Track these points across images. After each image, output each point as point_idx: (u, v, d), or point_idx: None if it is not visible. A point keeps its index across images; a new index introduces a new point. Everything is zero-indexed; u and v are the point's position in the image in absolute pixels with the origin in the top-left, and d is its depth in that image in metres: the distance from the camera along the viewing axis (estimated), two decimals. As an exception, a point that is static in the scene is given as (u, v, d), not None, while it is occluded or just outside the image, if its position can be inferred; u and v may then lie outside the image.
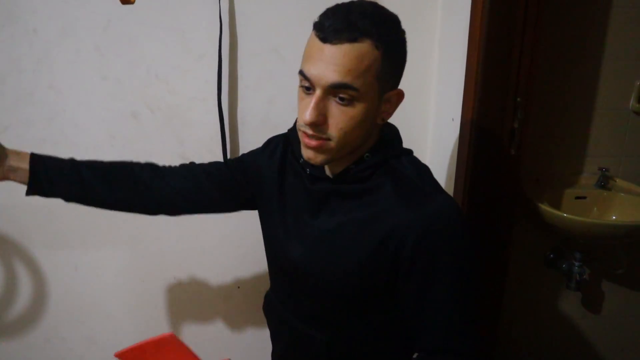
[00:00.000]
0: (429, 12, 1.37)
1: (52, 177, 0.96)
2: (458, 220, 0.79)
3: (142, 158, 1.43)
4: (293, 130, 0.96)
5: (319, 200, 0.87)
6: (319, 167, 0.87)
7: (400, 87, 0.87)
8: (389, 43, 0.76)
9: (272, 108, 1.42)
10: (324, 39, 0.73)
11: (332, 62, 0.72)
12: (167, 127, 1.41)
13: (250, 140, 1.44)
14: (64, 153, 1.40)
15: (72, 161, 0.99)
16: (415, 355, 0.85)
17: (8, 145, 1.39)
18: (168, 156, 1.43)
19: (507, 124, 1.19)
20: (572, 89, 1.54)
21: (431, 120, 1.46)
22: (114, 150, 1.42)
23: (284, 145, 1.01)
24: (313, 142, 0.77)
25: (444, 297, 0.79)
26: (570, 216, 1.37)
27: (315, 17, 0.79)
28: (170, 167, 1.08)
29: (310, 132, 0.77)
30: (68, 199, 1.00)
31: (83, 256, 1.52)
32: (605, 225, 1.46)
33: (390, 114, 0.84)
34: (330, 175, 0.87)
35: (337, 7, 0.76)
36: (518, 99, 1.18)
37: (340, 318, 0.89)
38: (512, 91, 1.17)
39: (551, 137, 1.56)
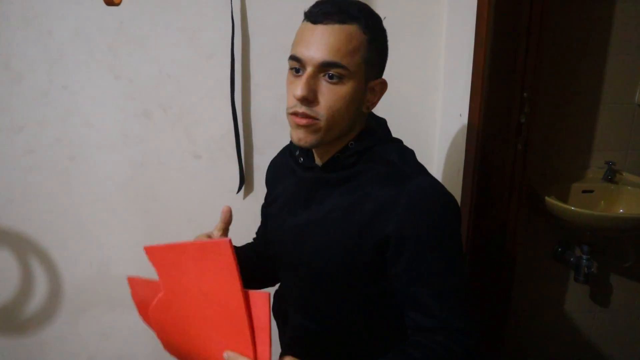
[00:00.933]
0: (435, 12, 1.39)
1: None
2: (438, 197, 0.81)
3: (154, 156, 1.47)
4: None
5: (309, 189, 0.90)
6: (310, 156, 0.91)
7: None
8: (374, 31, 0.81)
9: (283, 105, 1.42)
10: (315, 21, 0.78)
11: (323, 41, 0.77)
12: (179, 126, 1.44)
13: (262, 137, 1.46)
14: (78, 152, 1.45)
15: (251, 253, 1.08)
16: (410, 337, 0.84)
17: (24, 145, 1.43)
18: (180, 154, 1.46)
19: (514, 119, 1.21)
20: (577, 83, 1.56)
21: (439, 116, 1.48)
22: (126, 149, 1.45)
23: (285, 151, 1.05)
24: (303, 121, 0.79)
25: (432, 275, 0.79)
26: (578, 209, 1.39)
27: None
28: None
29: (300, 109, 0.79)
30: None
31: (97, 253, 1.55)
32: (613, 218, 1.47)
33: (374, 104, 0.87)
34: (319, 164, 0.89)
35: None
36: (525, 94, 1.20)
37: (331, 307, 0.90)
38: (518, 86, 1.19)
39: (558, 131, 1.57)
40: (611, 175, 1.58)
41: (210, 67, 1.39)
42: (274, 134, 1.46)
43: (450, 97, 1.40)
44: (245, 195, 1.52)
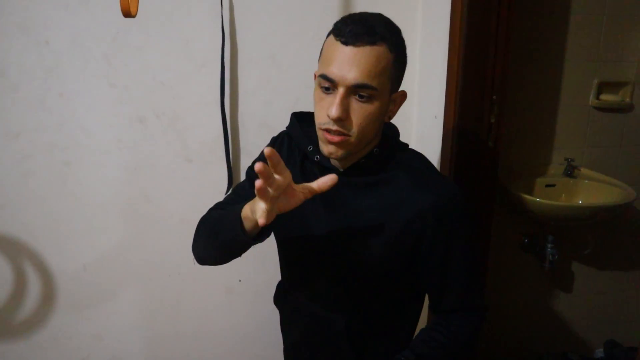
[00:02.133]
0: (410, 25, 1.50)
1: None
2: (463, 198, 0.93)
3: (148, 160, 1.53)
4: (291, 127, 1.04)
5: (330, 190, 0.92)
6: (327, 157, 0.94)
7: None
8: (399, 48, 0.86)
9: (270, 110, 1.53)
10: (346, 42, 0.81)
11: (355, 62, 0.80)
12: (172, 131, 1.50)
13: (250, 140, 1.54)
14: (73, 157, 1.50)
15: None
16: (433, 318, 0.99)
17: (20, 150, 1.47)
18: (172, 158, 1.52)
19: (485, 120, 1.34)
20: (539, 88, 1.71)
21: (414, 118, 1.60)
22: (121, 154, 1.50)
23: (288, 140, 1.07)
24: (336, 138, 0.84)
25: (460, 263, 0.94)
26: (543, 200, 1.54)
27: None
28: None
29: (334, 127, 0.84)
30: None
31: (91, 256, 1.58)
32: (574, 207, 1.63)
33: (394, 113, 0.94)
34: (340, 169, 0.94)
35: (352, 16, 0.86)
36: (494, 97, 1.33)
37: (360, 298, 0.99)
38: (488, 90, 1.32)
39: (522, 131, 1.72)
40: (570, 171, 1.74)
41: (201, 75, 1.46)
42: (261, 138, 1.54)
43: (425, 101, 1.52)
44: (234, 195, 1.59)
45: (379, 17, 0.87)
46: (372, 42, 0.81)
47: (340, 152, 0.87)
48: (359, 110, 0.84)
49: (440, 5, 1.35)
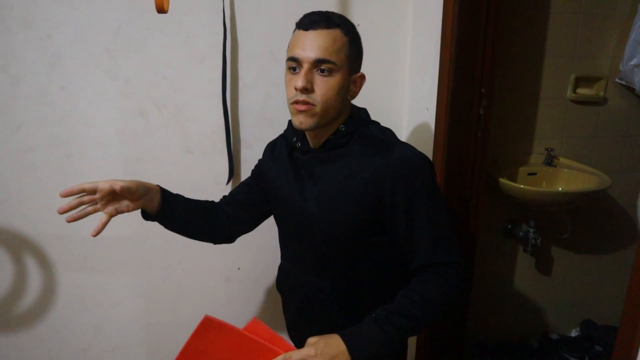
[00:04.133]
0: (401, 26, 1.59)
1: (168, 215, 1.16)
2: (419, 159, 1.01)
3: (149, 152, 1.56)
4: (286, 129, 1.18)
5: (308, 168, 1.08)
6: (306, 142, 1.10)
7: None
8: (352, 35, 1.02)
9: (268, 104, 1.58)
10: (306, 28, 0.98)
11: (314, 43, 0.96)
12: (173, 123, 1.54)
13: (249, 132, 1.59)
14: (74, 150, 1.52)
15: (182, 203, 1.21)
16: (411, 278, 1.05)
17: (21, 144, 1.48)
18: (174, 150, 1.56)
19: (474, 111, 1.42)
20: (521, 82, 1.81)
21: (405, 110, 1.68)
22: (122, 147, 1.53)
23: (282, 139, 1.22)
24: (303, 107, 0.98)
25: (422, 220, 1.00)
26: (526, 187, 1.64)
27: None
28: (221, 203, 1.30)
29: (301, 98, 0.97)
30: (168, 228, 1.21)
31: (92, 248, 1.61)
32: (554, 193, 1.74)
33: (356, 93, 1.07)
34: (315, 147, 1.08)
35: (312, 12, 1.02)
36: (483, 90, 1.41)
37: (341, 263, 1.08)
38: (478, 83, 1.40)
39: (506, 123, 1.81)
40: (550, 160, 1.85)
41: (202, 68, 1.50)
42: (260, 130, 1.59)
43: (417, 94, 1.59)
44: (233, 186, 1.64)
45: (335, 13, 1.03)
46: (327, 27, 0.97)
47: (308, 122, 1.00)
48: (321, 83, 0.98)
49: (432, 4, 1.43)
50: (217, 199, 1.62)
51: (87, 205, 1.05)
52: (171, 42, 1.47)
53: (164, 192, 1.15)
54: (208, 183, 1.61)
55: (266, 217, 1.29)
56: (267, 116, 1.59)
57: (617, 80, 1.87)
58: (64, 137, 1.49)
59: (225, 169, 1.59)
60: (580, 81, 1.86)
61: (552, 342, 2.06)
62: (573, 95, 1.85)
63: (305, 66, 0.96)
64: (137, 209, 1.10)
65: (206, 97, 1.53)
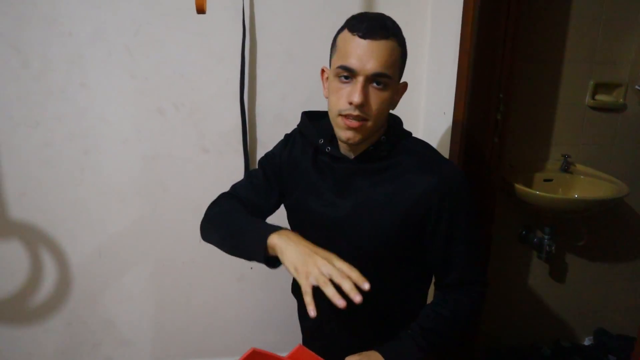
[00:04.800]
0: (419, 24, 1.58)
1: None
2: (464, 179, 1.01)
3: (166, 150, 1.57)
4: (302, 124, 1.12)
5: (343, 177, 1.03)
6: (335, 146, 1.04)
7: None
8: (404, 44, 0.98)
9: (285, 104, 1.58)
10: (363, 36, 0.90)
11: (373, 54, 0.90)
12: (190, 122, 1.55)
13: (266, 132, 1.59)
14: (92, 146, 1.54)
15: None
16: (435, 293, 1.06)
17: (40, 139, 1.50)
18: (190, 148, 1.57)
19: (492, 116, 1.41)
20: (540, 87, 1.79)
21: (422, 113, 1.67)
22: (139, 143, 1.54)
23: (300, 137, 1.15)
24: (355, 123, 0.93)
25: (462, 239, 1.00)
26: (542, 193, 1.62)
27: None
28: (242, 195, 1.18)
29: (355, 113, 0.92)
30: None
31: (106, 243, 1.63)
32: (570, 200, 1.73)
33: (397, 102, 1.04)
34: (351, 157, 1.03)
35: (365, 14, 0.96)
36: (500, 95, 1.40)
37: (372, 275, 1.03)
38: (495, 88, 1.39)
39: (523, 128, 1.80)
40: (567, 167, 1.82)
41: (220, 68, 1.51)
42: (277, 130, 1.59)
43: (434, 98, 1.59)
44: (248, 186, 1.64)
45: (387, 16, 0.98)
46: (386, 37, 0.91)
47: (357, 137, 0.96)
48: (376, 97, 0.93)
49: (451, 9, 1.42)
50: (231, 199, 1.64)
51: None
52: (190, 41, 1.48)
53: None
54: (223, 182, 1.59)
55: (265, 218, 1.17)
56: (284, 116, 1.59)
57: (636, 87, 1.84)
58: (82, 133, 1.51)
59: (240, 168, 1.60)
60: (599, 87, 1.84)
61: (565, 350, 2.03)
62: (592, 101, 1.83)
63: (361, 80, 0.91)
64: None
65: (223, 96, 1.54)
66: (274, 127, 1.59)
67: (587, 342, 2.14)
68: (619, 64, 1.84)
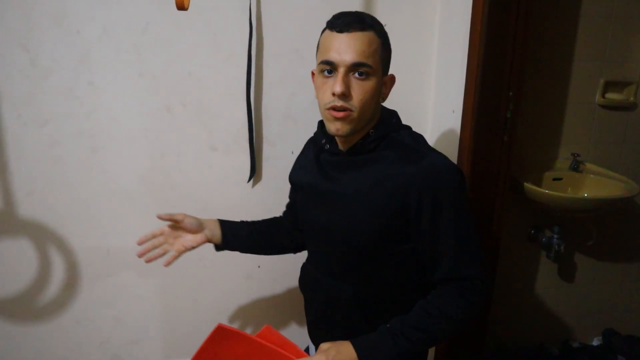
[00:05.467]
0: (427, 21, 1.56)
1: (234, 240, 1.27)
2: (450, 170, 0.99)
3: (174, 148, 1.57)
4: (317, 132, 1.17)
5: (336, 171, 1.06)
6: (334, 144, 1.08)
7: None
8: (384, 36, 1.00)
9: (293, 102, 1.58)
10: (340, 30, 0.94)
11: (350, 46, 0.94)
12: (198, 120, 1.55)
13: (273, 131, 1.59)
14: (100, 144, 1.54)
15: (245, 226, 1.31)
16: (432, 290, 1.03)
17: (48, 137, 1.50)
18: (198, 146, 1.57)
19: (502, 115, 1.40)
20: (549, 85, 1.78)
21: (430, 112, 1.66)
22: (147, 142, 1.54)
23: (309, 143, 1.22)
24: (340, 114, 0.96)
25: (448, 232, 0.97)
26: (552, 192, 1.61)
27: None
28: (284, 212, 1.38)
29: (339, 104, 0.95)
30: (242, 251, 1.33)
31: (114, 241, 1.63)
32: (580, 200, 1.72)
33: (387, 95, 1.06)
34: (344, 150, 1.06)
35: (342, 12, 0.99)
36: (510, 93, 1.39)
37: (364, 270, 1.06)
38: (505, 86, 1.38)
39: (532, 127, 1.79)
40: (576, 165, 1.81)
41: (228, 66, 1.50)
42: (284, 128, 1.59)
43: (443, 96, 1.58)
44: (254, 184, 1.64)
45: (366, 13, 1.01)
46: (362, 29, 0.95)
47: (345, 128, 0.98)
48: (359, 87, 0.95)
49: (460, 6, 1.41)
50: (238, 197, 1.64)
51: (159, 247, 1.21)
52: (198, 39, 1.48)
53: (223, 222, 1.26)
54: (231, 180, 1.62)
55: None
56: (292, 115, 1.59)
57: (647, 85, 1.83)
58: (90, 132, 1.51)
59: (247, 166, 1.60)
60: (609, 86, 1.82)
61: (573, 350, 2.02)
62: (602, 100, 1.82)
63: (342, 70, 0.94)
64: (203, 242, 1.23)
65: (231, 94, 1.53)
66: (282, 125, 1.59)
67: (595, 342, 2.13)
68: (630, 62, 1.82)
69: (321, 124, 1.15)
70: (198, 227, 1.21)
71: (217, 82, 1.52)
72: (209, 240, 1.23)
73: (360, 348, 0.94)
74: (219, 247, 1.28)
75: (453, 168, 0.99)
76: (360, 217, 1.01)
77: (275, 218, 1.37)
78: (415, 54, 1.59)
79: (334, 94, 0.95)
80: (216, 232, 1.24)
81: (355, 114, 0.97)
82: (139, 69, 1.48)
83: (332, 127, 0.99)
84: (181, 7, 0.94)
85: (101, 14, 1.42)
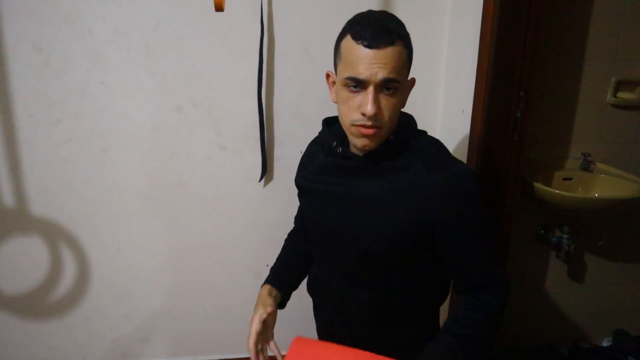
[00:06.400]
0: (437, 20, 1.57)
1: (289, 291, 1.25)
2: (473, 179, 0.98)
3: (184, 147, 1.58)
4: (321, 131, 1.13)
5: (353, 176, 1.03)
6: (346, 145, 1.04)
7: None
8: (409, 42, 0.95)
9: (303, 101, 1.58)
10: (369, 46, 0.88)
11: (380, 62, 0.88)
12: (208, 119, 1.55)
13: (283, 130, 1.59)
14: (111, 143, 1.55)
15: (287, 269, 1.27)
16: (460, 298, 1.03)
17: (60, 136, 1.51)
18: (208, 145, 1.58)
19: (512, 114, 1.40)
20: (560, 84, 1.76)
21: (440, 112, 1.66)
22: (158, 141, 1.55)
23: (313, 145, 1.19)
24: (370, 131, 0.93)
25: (476, 241, 0.97)
26: (562, 192, 1.60)
27: (341, 22, 0.96)
28: (297, 225, 1.35)
29: (370, 123, 0.92)
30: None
31: (125, 239, 1.64)
32: (591, 200, 1.70)
33: (406, 99, 1.01)
34: (361, 155, 1.02)
35: (367, 18, 0.92)
36: (521, 93, 1.38)
37: (380, 277, 1.04)
38: (516, 86, 1.37)
39: (542, 126, 1.77)
40: (587, 165, 1.80)
41: (238, 65, 1.51)
42: (294, 128, 1.60)
43: (453, 95, 1.57)
44: (266, 183, 1.65)
45: (390, 16, 0.95)
46: (391, 42, 0.89)
47: (373, 143, 0.96)
48: (388, 104, 0.93)
49: (471, 5, 1.40)
50: (248, 196, 1.65)
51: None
52: (209, 38, 1.48)
53: (276, 285, 1.21)
54: (240, 179, 1.63)
55: None
56: (302, 114, 1.59)
57: (659, 84, 1.81)
58: (101, 131, 1.53)
59: (258, 165, 1.60)
60: (621, 85, 1.80)
61: (583, 351, 2.01)
62: (613, 99, 1.80)
63: (371, 88, 0.90)
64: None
65: (241, 93, 1.54)
66: (292, 124, 1.59)
67: (605, 343, 2.11)
68: (642, 61, 1.81)
69: (327, 123, 1.12)
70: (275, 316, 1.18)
71: (227, 81, 1.53)
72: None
73: None
74: (283, 305, 1.25)
75: (476, 176, 0.99)
76: (381, 223, 0.99)
77: (293, 237, 1.33)
78: (425, 54, 1.59)
79: (364, 114, 0.91)
80: (277, 297, 1.20)
81: (383, 130, 0.95)
82: (150, 68, 1.49)
83: (359, 143, 0.96)
84: (219, 8, 0.94)
85: (113, 13, 1.43)
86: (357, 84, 0.91)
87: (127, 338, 1.76)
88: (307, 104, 1.58)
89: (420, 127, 1.12)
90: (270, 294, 1.17)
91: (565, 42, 1.73)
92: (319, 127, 1.12)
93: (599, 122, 1.83)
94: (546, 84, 1.74)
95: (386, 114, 0.93)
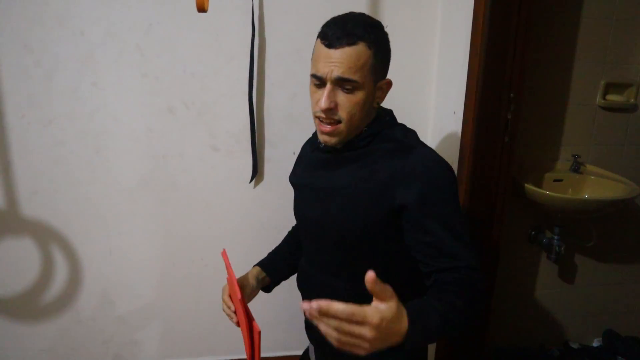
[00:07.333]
0: (428, 22, 1.58)
1: (279, 278, 1.30)
2: (439, 164, 0.99)
3: (176, 149, 1.58)
4: (314, 133, 1.16)
5: (329, 167, 1.07)
6: None
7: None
8: (377, 43, 0.97)
9: (294, 103, 1.58)
10: (329, 45, 0.94)
11: (337, 62, 0.94)
12: (200, 121, 1.56)
13: (275, 131, 1.60)
14: (103, 144, 1.55)
15: (279, 257, 1.31)
16: (433, 281, 0.97)
17: (52, 137, 1.51)
18: (200, 147, 1.58)
19: (502, 116, 1.41)
20: (550, 87, 1.78)
21: (431, 113, 1.67)
22: (150, 142, 1.55)
23: (306, 145, 1.24)
24: (327, 128, 0.99)
25: (437, 223, 0.95)
26: (553, 193, 1.62)
27: None
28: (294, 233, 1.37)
29: (324, 116, 0.97)
30: (286, 279, 1.32)
31: (117, 241, 1.64)
32: (580, 201, 1.72)
33: (382, 99, 1.06)
34: (338, 147, 1.06)
35: (335, 20, 0.98)
36: (511, 95, 1.40)
37: (355, 266, 1.06)
38: (506, 88, 1.39)
39: (533, 128, 1.79)
40: (577, 167, 1.82)
41: (230, 67, 1.52)
42: (286, 129, 1.60)
43: (444, 97, 1.58)
44: (256, 184, 1.65)
45: (360, 17, 0.99)
46: (350, 43, 0.93)
47: (333, 140, 1.01)
48: (346, 101, 0.97)
49: (461, 8, 1.42)
50: (240, 197, 1.65)
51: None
52: (201, 40, 1.49)
53: (264, 266, 1.27)
54: (232, 181, 1.63)
55: None
56: (293, 115, 1.60)
57: (648, 87, 1.84)
58: (93, 132, 1.52)
59: (249, 167, 1.61)
60: (610, 87, 1.83)
61: (573, 352, 2.03)
62: (602, 101, 1.82)
63: (328, 85, 0.96)
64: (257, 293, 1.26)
65: (233, 95, 1.55)
66: (284, 126, 1.60)
67: (595, 343, 2.13)
68: (631, 63, 1.83)
69: None
70: (254, 291, 1.25)
71: (219, 83, 1.53)
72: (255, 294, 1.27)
73: (413, 321, 0.82)
74: (269, 290, 1.31)
75: (442, 162, 1.00)
76: (350, 211, 1.02)
77: (294, 231, 1.37)
78: (416, 55, 1.60)
79: (320, 108, 0.97)
80: (266, 280, 1.27)
81: (342, 126, 0.99)
82: (142, 69, 1.49)
83: (321, 139, 1.03)
84: (202, 9, 0.95)
85: (104, 14, 1.43)
86: (318, 80, 0.97)
87: (120, 339, 1.75)
88: (299, 106, 1.58)
89: (411, 128, 1.13)
90: (257, 276, 1.25)
91: (555, 44, 1.75)
92: (311, 129, 1.15)
93: (588, 124, 1.85)
94: (536, 86, 1.75)
95: (344, 110, 0.97)
